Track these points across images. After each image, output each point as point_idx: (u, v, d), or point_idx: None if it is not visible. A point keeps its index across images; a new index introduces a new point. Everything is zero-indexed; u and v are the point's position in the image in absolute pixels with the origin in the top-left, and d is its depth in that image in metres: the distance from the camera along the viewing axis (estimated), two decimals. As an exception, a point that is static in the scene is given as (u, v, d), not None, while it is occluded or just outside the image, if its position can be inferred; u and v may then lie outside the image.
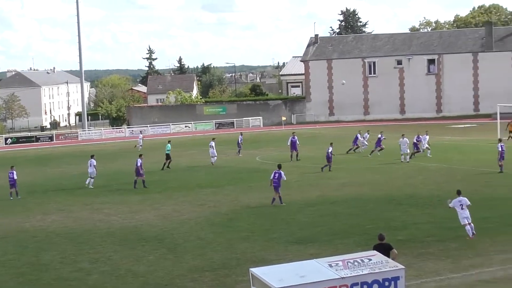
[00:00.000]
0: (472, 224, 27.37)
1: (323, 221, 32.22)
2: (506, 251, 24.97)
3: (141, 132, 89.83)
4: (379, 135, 58.94)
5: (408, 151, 53.99)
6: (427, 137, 57.26)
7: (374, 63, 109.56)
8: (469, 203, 27.41)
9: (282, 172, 37.14)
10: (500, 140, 47.97)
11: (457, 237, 27.31)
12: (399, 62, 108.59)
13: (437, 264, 23.66)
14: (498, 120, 67.94)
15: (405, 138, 54.02)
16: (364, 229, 29.52)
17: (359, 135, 62.63)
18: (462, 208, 27.32)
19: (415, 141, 56.02)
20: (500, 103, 78.67)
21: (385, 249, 18.75)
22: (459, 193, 27.87)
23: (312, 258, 17.03)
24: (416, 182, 43.30)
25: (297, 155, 57.81)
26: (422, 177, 45.38)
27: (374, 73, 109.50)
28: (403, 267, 15.60)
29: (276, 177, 36.90)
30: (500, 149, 46.08)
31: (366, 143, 62.10)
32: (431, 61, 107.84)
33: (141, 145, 75.42)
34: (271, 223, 32.64)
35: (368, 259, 15.87)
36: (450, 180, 42.79)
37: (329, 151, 50.89)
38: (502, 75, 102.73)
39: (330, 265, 15.43)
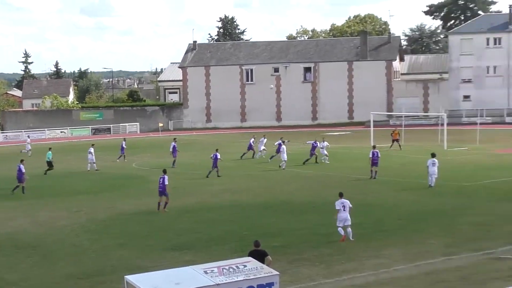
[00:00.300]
0: (349, 229, 28.16)
1: (200, 228, 32.26)
2: (378, 256, 25.58)
3: (28, 136, 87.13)
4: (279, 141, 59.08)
5: (286, 159, 54.62)
6: (326, 143, 58.25)
7: (251, 70, 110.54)
8: (351, 205, 28.35)
9: (166, 177, 37.09)
10: (374, 147, 49.25)
11: (330, 242, 27.84)
12: (276, 70, 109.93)
13: (311, 270, 24.05)
14: (372, 128, 69.73)
15: (284, 146, 54.97)
16: (240, 236, 29.72)
17: (258, 140, 64.08)
18: (344, 210, 28.05)
19: (313, 146, 56.92)
20: (373, 111, 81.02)
21: (260, 256, 18.94)
22: (341, 195, 28.65)
23: (188, 265, 17.03)
24: (292, 189, 43.89)
25: (173, 162, 57.66)
26: (298, 184, 46.05)
27: (252, 80, 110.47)
28: (278, 273, 15.79)
29: (161, 182, 36.85)
30: (371, 156, 47.34)
31: (262, 149, 62.75)
32: (307, 69, 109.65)
33: (29, 150, 74.18)
34: (147, 229, 32.46)
35: (243, 265, 16.00)
36: (325, 187, 43.59)
37: (216, 156, 51.10)
38: (376, 83, 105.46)
39: (206, 272, 15.48)
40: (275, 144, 59.19)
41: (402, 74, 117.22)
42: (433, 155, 42.99)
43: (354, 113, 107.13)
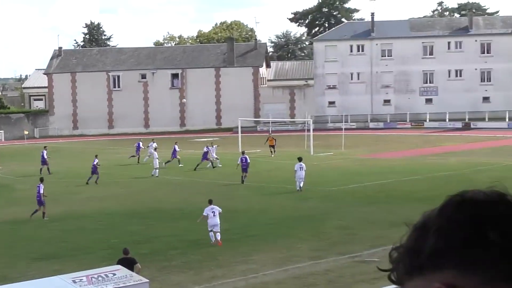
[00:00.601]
0: (219, 232, 28.63)
1: (68, 237, 31.73)
2: (247, 262, 25.81)
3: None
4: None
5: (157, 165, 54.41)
6: (214, 148, 59.11)
7: (118, 76, 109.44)
8: (220, 210, 29.14)
9: (41, 185, 36.49)
10: (243, 153, 49.72)
11: (199, 249, 27.90)
12: (144, 76, 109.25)
13: (180, 277, 24.03)
14: (240, 134, 70.28)
15: (154, 151, 54.87)
16: (109, 244, 29.39)
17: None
18: (213, 216, 28.66)
19: (205, 151, 57.22)
20: (241, 117, 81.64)
21: (129, 263, 18.84)
22: (210, 202, 29.50)
23: (56, 275, 16.74)
24: (161, 195, 43.74)
25: (45, 169, 56.52)
26: (166, 190, 45.94)
27: (119, 86, 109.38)
28: (147, 280, 15.77)
29: (38, 191, 36.33)
30: (240, 162, 47.82)
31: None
32: (175, 76, 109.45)
33: None
34: (12, 239, 31.68)
35: (112, 273, 15.89)
36: (193, 193, 43.60)
37: (95, 163, 50.46)
38: (243, 90, 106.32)
39: (74, 281, 15.28)
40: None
41: (268, 80, 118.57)
42: (300, 159, 43.84)
43: (222, 119, 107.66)
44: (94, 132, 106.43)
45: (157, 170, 53.77)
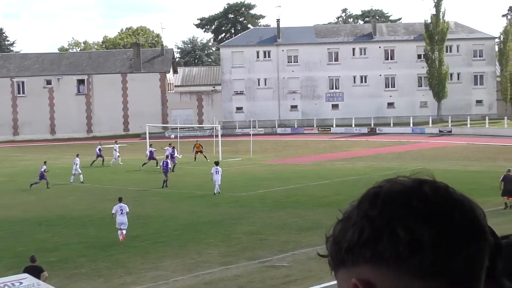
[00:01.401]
0: (125, 231, 29.78)
1: (-29, 246, 30.92)
2: (157, 268, 25.65)
3: None
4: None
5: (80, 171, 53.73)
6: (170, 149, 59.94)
7: (23, 82, 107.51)
8: (128, 210, 30.42)
9: None
10: (167, 157, 50.57)
11: (108, 256, 27.60)
12: (49, 82, 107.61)
13: (90, 284, 23.72)
14: (148, 140, 69.86)
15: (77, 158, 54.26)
16: (15, 252, 28.78)
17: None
18: (121, 214, 30.08)
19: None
20: (148, 123, 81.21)
21: (36, 272, 18.55)
22: (120, 199, 31.12)
23: (-40, 286, 16.28)
24: (68, 202, 43.11)
25: None
26: (73, 197, 45.31)
27: (23, 93, 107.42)
28: (56, 289, 15.48)
29: None
30: (161, 165, 48.84)
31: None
32: (81, 81, 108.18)
33: None
34: None
35: (19, 282, 15.59)
36: (101, 199, 43.12)
37: (42, 169, 50.54)
38: (151, 95, 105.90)
39: (-20, 292, 14.91)
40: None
41: (176, 86, 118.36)
42: (216, 163, 44.70)
43: (130, 125, 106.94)
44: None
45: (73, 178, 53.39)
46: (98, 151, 64.70)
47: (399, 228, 1.42)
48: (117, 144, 64.34)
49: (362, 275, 1.45)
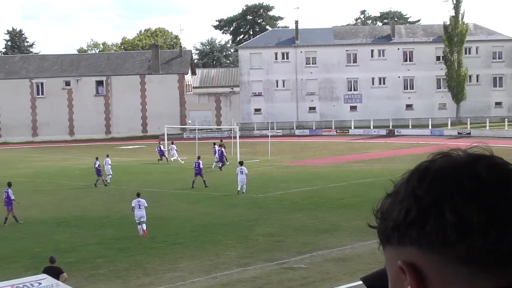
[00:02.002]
0: (144, 225, 30.90)
1: (-11, 247, 31.07)
2: (175, 269, 25.65)
3: None
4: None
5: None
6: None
7: (42, 84, 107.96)
8: (146, 204, 31.71)
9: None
10: (198, 158, 50.98)
11: (126, 257, 27.63)
12: (68, 83, 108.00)
13: (108, 285, 23.76)
14: (166, 141, 69.98)
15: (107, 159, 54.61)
16: (33, 253, 28.89)
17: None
18: (139, 208, 31.36)
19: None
20: (167, 124, 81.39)
21: (55, 273, 18.58)
22: (138, 195, 32.36)
23: (-22, 286, 16.35)
24: (85, 203, 43.22)
25: None
26: (90, 198, 45.41)
27: (42, 94, 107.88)
28: (74, 289, 15.49)
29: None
30: (194, 166, 49.56)
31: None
32: (99, 83, 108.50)
33: None
34: None
35: (38, 283, 15.61)
36: (119, 200, 43.23)
37: (96, 165, 52.13)
38: (169, 97, 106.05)
39: (-2, 292, 14.96)
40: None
41: (194, 87, 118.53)
42: (241, 163, 45.16)
43: (148, 127, 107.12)
44: (18, 140, 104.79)
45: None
46: (160, 150, 66.33)
47: (447, 209, 1.32)
48: (173, 145, 65.12)
49: (407, 257, 1.38)
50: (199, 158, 51.22)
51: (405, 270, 1.38)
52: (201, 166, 49.47)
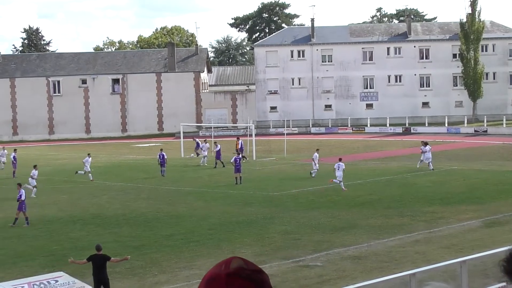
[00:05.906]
0: (342, 182, 28.32)
1: (6, 244, 31.23)
2: (191, 267, 25.71)
3: (4, 148, 75.33)
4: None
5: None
6: (207, 145, 63.19)
7: (58, 82, 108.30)
8: (344, 167, 44.35)
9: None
10: (238, 153, 51.16)
11: (142, 255, 27.72)
12: (84, 81, 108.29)
13: (124, 283, 23.83)
14: (182, 139, 70.07)
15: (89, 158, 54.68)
16: (50, 250, 29.02)
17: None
18: (338, 170, 41.57)
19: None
20: (183, 122, 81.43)
21: (104, 260, 20.36)
22: (340, 159, 35.24)
23: (-4, 283, 16.44)
24: (101, 201, 43.33)
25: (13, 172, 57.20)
26: (107, 196, 45.51)
27: (59, 92, 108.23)
28: (90, 287, 15.57)
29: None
30: (233, 161, 49.07)
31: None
32: (115, 81, 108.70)
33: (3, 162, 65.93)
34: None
35: (54, 280, 15.68)
36: (135, 198, 43.35)
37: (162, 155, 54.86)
38: (185, 95, 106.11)
39: (15, 289, 15.04)
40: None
41: (210, 85, 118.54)
42: (339, 160, 45.34)
43: (164, 125, 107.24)
44: (35, 138, 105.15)
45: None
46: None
47: None
48: (206, 143, 64.89)
49: None
50: (238, 153, 51.40)
51: None
52: (240, 162, 49.61)
